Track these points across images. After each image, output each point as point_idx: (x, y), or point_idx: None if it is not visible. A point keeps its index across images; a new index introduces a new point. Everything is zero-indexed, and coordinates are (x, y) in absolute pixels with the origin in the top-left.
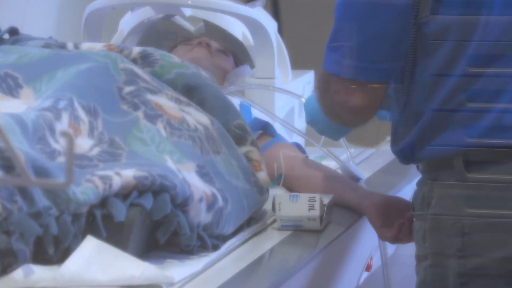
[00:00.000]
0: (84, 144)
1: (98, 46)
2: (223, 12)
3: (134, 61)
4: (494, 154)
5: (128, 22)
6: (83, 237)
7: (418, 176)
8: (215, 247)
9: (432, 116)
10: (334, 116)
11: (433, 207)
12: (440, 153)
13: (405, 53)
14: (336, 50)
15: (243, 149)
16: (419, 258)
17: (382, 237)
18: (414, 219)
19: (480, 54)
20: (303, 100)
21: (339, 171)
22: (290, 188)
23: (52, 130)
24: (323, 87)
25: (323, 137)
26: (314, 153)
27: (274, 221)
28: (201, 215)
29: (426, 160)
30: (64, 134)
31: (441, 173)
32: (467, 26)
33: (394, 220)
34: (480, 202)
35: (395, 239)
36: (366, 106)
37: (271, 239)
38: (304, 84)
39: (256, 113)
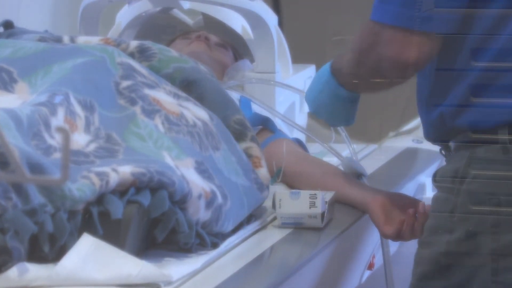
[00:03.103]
0: (80, 139)
1: (94, 40)
2: (222, 5)
3: (132, 55)
4: None
5: (125, 15)
6: (79, 235)
7: (421, 173)
8: (214, 245)
9: (477, 80)
10: (376, 73)
11: (470, 182)
12: (484, 121)
13: (458, 9)
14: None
15: (243, 145)
16: (438, 230)
17: (384, 234)
18: (436, 192)
19: None
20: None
21: (341, 167)
22: (290, 184)
23: (47, 126)
24: (369, 40)
25: (326, 133)
26: (315, 149)
27: (275, 218)
28: (200, 212)
29: (466, 131)
30: (60, 129)
31: (480, 148)
32: None
33: (397, 218)
34: None
35: (397, 236)
36: (421, 59)
37: (271, 237)
38: (305, 78)
39: (256, 108)
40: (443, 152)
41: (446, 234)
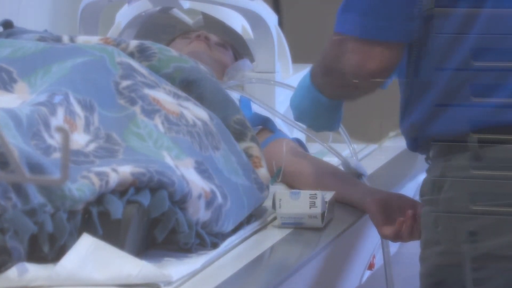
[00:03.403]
0: (80, 139)
1: (94, 39)
2: (222, 4)
3: (131, 55)
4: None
5: (125, 15)
6: (79, 235)
7: (422, 172)
8: (214, 245)
9: (446, 87)
10: (345, 84)
11: (446, 191)
12: (453, 130)
13: (420, 16)
14: (351, 10)
15: (243, 145)
16: (428, 243)
17: (383, 235)
18: (422, 207)
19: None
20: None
21: (341, 167)
22: (290, 184)
23: (47, 126)
24: (333, 53)
25: (326, 133)
26: (315, 149)
27: (275, 218)
28: (200, 212)
29: (437, 138)
30: (60, 129)
31: (454, 155)
32: None
33: (396, 218)
34: (493, 183)
35: (396, 237)
36: (382, 68)
37: (271, 237)
38: None
39: (256, 108)
40: (428, 161)
41: (434, 246)
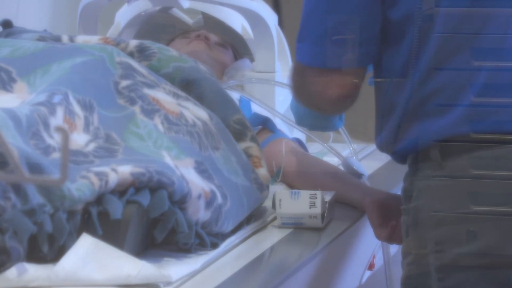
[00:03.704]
0: (79, 139)
1: (93, 39)
2: (222, 4)
3: (131, 54)
4: (467, 144)
5: (124, 14)
6: (78, 235)
7: None
8: (214, 245)
9: (405, 107)
10: (315, 108)
11: (414, 200)
12: (415, 145)
13: (374, 40)
14: (305, 39)
15: (243, 145)
16: (404, 254)
17: (377, 236)
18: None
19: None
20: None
21: (341, 167)
22: (290, 184)
23: (46, 125)
24: (298, 80)
25: (326, 133)
26: (315, 149)
27: (274, 218)
28: (199, 213)
29: (403, 153)
30: (59, 129)
31: (420, 165)
32: (443, 18)
33: (391, 220)
34: (457, 193)
35: (390, 239)
36: (343, 94)
37: (271, 237)
38: None
39: (256, 108)
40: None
41: (407, 257)
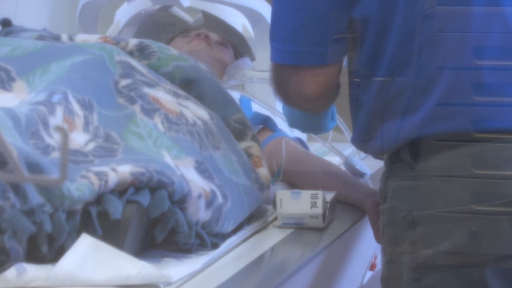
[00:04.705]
0: (79, 139)
1: (93, 38)
2: (222, 2)
3: (131, 53)
4: (437, 144)
5: (124, 13)
6: (78, 235)
7: None
8: (214, 246)
9: (372, 107)
10: (297, 107)
11: (388, 201)
12: (383, 146)
13: (341, 37)
14: (276, 39)
15: (243, 144)
16: (382, 253)
17: (376, 237)
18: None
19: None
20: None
21: (343, 166)
22: (291, 184)
23: (46, 125)
24: (275, 80)
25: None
26: (316, 148)
27: (275, 218)
28: (199, 212)
29: (374, 153)
30: (59, 128)
31: (393, 166)
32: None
33: None
34: (427, 193)
35: None
36: (318, 91)
37: (272, 237)
38: None
39: (257, 107)
40: None
41: (383, 257)
